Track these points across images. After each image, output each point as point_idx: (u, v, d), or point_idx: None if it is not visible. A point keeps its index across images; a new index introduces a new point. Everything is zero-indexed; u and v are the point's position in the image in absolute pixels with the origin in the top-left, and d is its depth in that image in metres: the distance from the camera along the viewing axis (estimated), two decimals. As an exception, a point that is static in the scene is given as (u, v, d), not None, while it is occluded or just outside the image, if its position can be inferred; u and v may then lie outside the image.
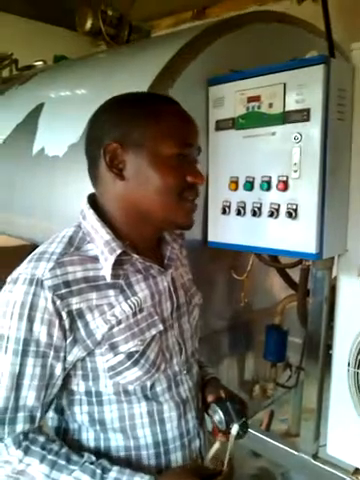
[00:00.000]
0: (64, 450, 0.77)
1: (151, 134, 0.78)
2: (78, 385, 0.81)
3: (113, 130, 0.79)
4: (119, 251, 0.78)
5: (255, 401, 1.78)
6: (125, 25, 2.33)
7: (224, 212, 1.32)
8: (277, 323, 1.61)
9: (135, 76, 1.43)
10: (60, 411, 0.84)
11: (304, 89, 1.10)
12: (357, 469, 1.29)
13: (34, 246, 0.80)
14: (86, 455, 0.78)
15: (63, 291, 0.74)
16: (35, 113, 1.70)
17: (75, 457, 0.76)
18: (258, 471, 2.03)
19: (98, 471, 0.75)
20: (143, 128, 0.78)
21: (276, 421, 2.11)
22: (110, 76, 1.57)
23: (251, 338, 1.74)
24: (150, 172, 0.78)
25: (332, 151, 1.11)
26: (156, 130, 0.78)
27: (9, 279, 0.78)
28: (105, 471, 0.76)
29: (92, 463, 0.76)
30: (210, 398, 0.92)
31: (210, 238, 1.38)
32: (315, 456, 1.39)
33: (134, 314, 0.79)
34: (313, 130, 1.10)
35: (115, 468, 0.77)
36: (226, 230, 1.33)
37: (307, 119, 1.10)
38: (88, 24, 2.25)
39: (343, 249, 1.22)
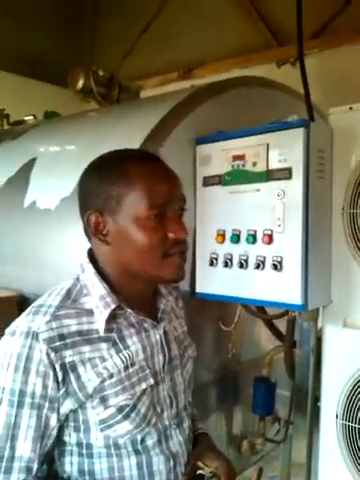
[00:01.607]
0: None
1: (127, 199, 0.81)
2: (70, 436, 0.81)
3: (93, 200, 0.84)
4: (113, 306, 0.81)
5: (243, 457, 1.74)
6: (115, 84, 2.45)
7: (211, 264, 1.35)
8: (265, 375, 1.61)
9: (126, 135, 1.50)
10: (49, 461, 0.83)
11: (286, 149, 1.18)
12: None
13: (21, 297, 0.82)
14: None
15: (57, 344, 0.76)
16: (27, 167, 1.75)
17: None
18: None
19: None
20: (119, 195, 0.81)
21: (265, 478, 2.05)
22: (102, 134, 1.64)
23: (239, 390, 1.72)
24: (131, 235, 0.81)
25: (313, 207, 1.17)
26: (131, 195, 0.81)
27: (7, 331, 0.79)
28: None
29: None
30: (190, 469, 0.91)
31: (198, 289, 1.40)
32: (306, 515, 1.36)
33: (126, 368, 0.81)
34: (295, 187, 1.16)
35: None
36: (213, 281, 1.36)
37: (289, 177, 1.17)
38: (80, 83, 2.36)
39: (328, 300, 1.25)
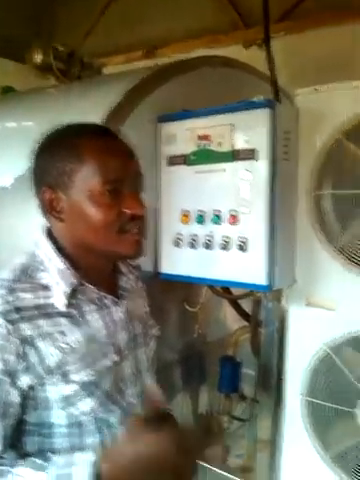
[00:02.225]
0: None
1: (79, 175, 0.79)
2: (29, 415, 0.78)
3: (45, 176, 0.82)
4: (73, 280, 0.80)
5: (209, 435, 1.77)
6: (76, 61, 2.36)
7: (176, 244, 1.34)
8: (230, 354, 1.63)
9: (86, 112, 1.44)
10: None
11: (251, 130, 1.17)
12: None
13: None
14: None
15: (14, 317, 0.74)
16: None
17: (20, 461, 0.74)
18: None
19: (38, 461, 0.72)
20: (71, 170, 0.79)
21: (232, 456, 2.10)
22: (60, 111, 1.58)
23: (205, 370, 1.74)
24: (85, 211, 0.79)
25: (279, 188, 1.17)
26: (83, 170, 0.79)
27: None
28: (47, 460, 0.73)
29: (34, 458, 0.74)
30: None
31: (162, 270, 1.40)
32: (271, 488, 1.39)
33: (87, 343, 0.79)
34: (260, 168, 1.16)
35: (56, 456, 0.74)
36: (178, 262, 1.35)
37: (254, 158, 1.16)
38: (38, 59, 2.26)
39: (292, 280, 1.26)
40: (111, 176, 0.79)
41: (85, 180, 0.79)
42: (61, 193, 0.80)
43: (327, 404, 1.21)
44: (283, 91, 1.38)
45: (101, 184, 0.79)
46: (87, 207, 0.79)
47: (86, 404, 0.78)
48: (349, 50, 1.72)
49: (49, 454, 0.75)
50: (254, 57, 1.81)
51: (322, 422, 1.24)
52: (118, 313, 0.86)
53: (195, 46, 2.75)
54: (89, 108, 1.47)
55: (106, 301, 0.85)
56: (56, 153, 0.81)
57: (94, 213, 0.79)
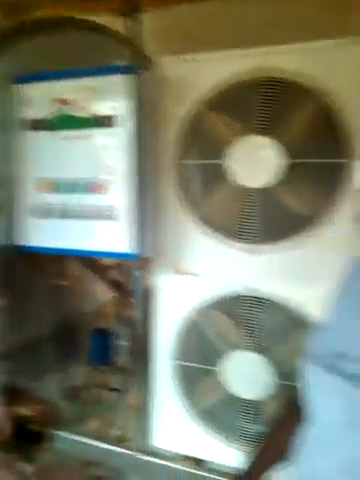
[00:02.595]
0: None
1: None
2: None
3: None
4: None
5: (85, 408, 1.76)
6: None
7: (41, 215, 1.27)
8: (102, 326, 1.61)
9: None
10: None
11: (113, 96, 1.13)
12: (186, 457, 1.37)
13: None
14: None
15: None
16: None
17: None
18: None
19: None
20: None
21: (113, 427, 2.11)
22: None
23: (78, 344, 1.70)
24: None
25: (143, 156, 1.16)
26: None
27: None
28: None
29: None
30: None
31: (24, 242, 1.32)
32: (145, 451, 1.43)
33: None
34: (124, 135, 1.13)
35: None
36: (40, 234, 1.29)
37: (117, 124, 1.13)
38: None
39: (159, 249, 1.28)
40: None
41: None
42: None
43: (193, 364, 1.27)
44: (149, 59, 1.36)
45: None
46: None
47: None
48: (219, 22, 1.75)
49: None
50: (129, 26, 1.74)
51: (190, 382, 1.30)
52: None
53: (68, 11, 2.56)
54: None
55: None
56: None
57: None
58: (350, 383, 0.68)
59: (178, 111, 1.20)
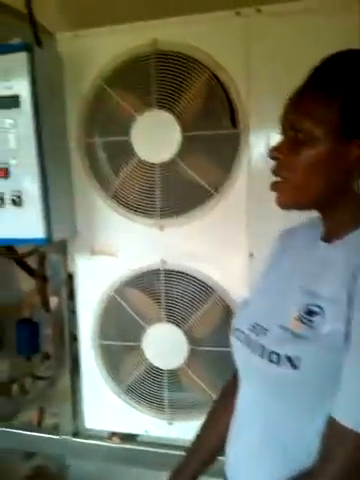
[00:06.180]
0: None
1: None
2: None
3: None
4: None
5: (16, 401, 1.72)
6: None
7: None
8: (26, 316, 1.58)
9: None
10: None
11: (10, 75, 1.08)
12: (113, 433, 1.39)
13: None
14: None
15: None
16: None
17: None
18: (33, 470, 1.98)
19: None
20: None
21: (48, 416, 2.09)
22: None
23: (3, 336, 1.66)
24: None
25: (47, 137, 1.13)
26: None
27: None
28: None
29: None
30: None
31: None
32: (76, 434, 1.44)
33: None
34: (25, 117, 1.09)
35: None
36: None
37: (18, 106, 1.09)
38: None
39: (73, 231, 1.26)
40: None
41: None
42: None
43: (117, 343, 1.29)
44: (48, 35, 1.32)
45: None
46: None
47: None
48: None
49: None
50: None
51: (113, 361, 1.31)
52: None
53: None
54: None
55: None
56: None
57: None
58: (256, 355, 0.69)
59: (79, 89, 1.18)
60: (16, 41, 1.11)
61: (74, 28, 1.21)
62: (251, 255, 1.14)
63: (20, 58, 1.07)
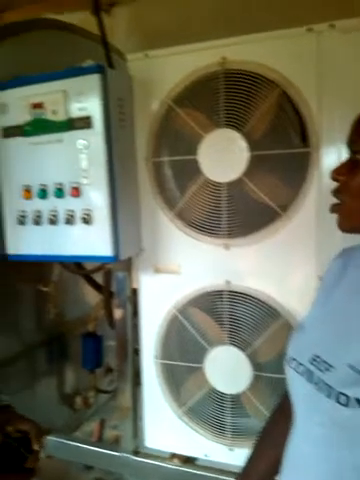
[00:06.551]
0: None
1: None
2: None
3: None
4: None
5: (79, 413, 1.76)
6: None
7: (20, 222, 1.26)
8: (91, 330, 1.61)
9: None
10: None
11: (84, 97, 1.13)
12: (173, 454, 1.37)
13: None
14: None
15: None
16: None
17: None
18: (92, 483, 2.00)
19: None
20: None
21: (108, 429, 2.12)
22: None
23: (68, 349, 1.71)
24: None
25: (117, 157, 1.15)
26: None
27: None
28: None
29: None
30: None
31: (9, 251, 1.31)
32: (136, 452, 1.43)
33: None
34: (96, 137, 1.13)
35: None
36: (25, 241, 1.28)
37: (90, 126, 1.13)
38: None
39: (139, 249, 1.28)
40: None
41: None
42: None
43: (178, 363, 1.27)
44: (121, 56, 1.36)
45: None
46: None
47: None
48: (187, 16, 1.76)
49: None
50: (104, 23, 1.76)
51: (175, 381, 1.30)
52: None
53: (40, 11, 2.58)
54: None
55: None
56: None
57: None
58: (322, 394, 0.63)
59: (148, 108, 1.20)
60: (89, 63, 1.15)
61: (143, 48, 1.24)
62: (320, 278, 1.09)
63: (93, 80, 1.11)
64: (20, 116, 1.22)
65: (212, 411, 1.25)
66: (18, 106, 1.22)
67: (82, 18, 2.49)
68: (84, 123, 1.14)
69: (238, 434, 1.24)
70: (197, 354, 1.23)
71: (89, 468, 1.90)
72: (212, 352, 1.21)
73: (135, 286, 1.33)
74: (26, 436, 0.90)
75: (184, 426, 1.30)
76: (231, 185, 1.12)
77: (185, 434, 1.31)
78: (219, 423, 1.25)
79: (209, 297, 1.21)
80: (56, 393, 1.67)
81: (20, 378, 1.50)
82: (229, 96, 1.09)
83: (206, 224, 1.17)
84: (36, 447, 0.89)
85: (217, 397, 1.23)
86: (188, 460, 1.36)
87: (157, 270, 1.28)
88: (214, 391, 1.23)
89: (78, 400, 1.69)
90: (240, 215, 1.13)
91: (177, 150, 1.18)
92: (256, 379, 1.17)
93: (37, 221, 1.24)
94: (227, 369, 1.20)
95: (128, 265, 1.32)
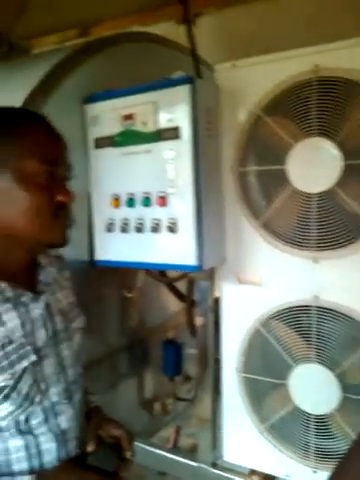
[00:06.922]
0: None
1: (14, 152, 0.75)
2: None
3: None
4: None
5: (157, 418, 1.78)
6: (3, 42, 2.26)
7: (109, 230, 1.31)
8: (172, 337, 1.63)
9: (10, 92, 1.38)
10: None
11: (173, 108, 1.14)
12: (252, 471, 1.33)
13: None
14: None
15: None
16: None
17: None
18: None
19: None
20: (5, 146, 0.75)
21: (184, 436, 2.12)
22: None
23: (148, 355, 1.73)
24: (18, 193, 0.75)
25: (204, 166, 1.16)
26: (19, 148, 0.76)
27: None
28: None
29: None
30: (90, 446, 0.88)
31: (97, 257, 1.36)
32: (214, 464, 1.41)
33: (2, 346, 0.74)
34: (184, 147, 1.14)
35: None
36: (112, 248, 1.32)
37: (178, 137, 1.14)
38: None
39: (222, 259, 1.27)
40: (49, 158, 0.77)
41: (21, 158, 0.75)
42: None
43: (261, 378, 1.24)
44: (209, 67, 1.36)
45: (39, 165, 0.76)
46: (21, 189, 0.75)
47: (3, 409, 0.74)
48: (275, 24, 1.73)
49: None
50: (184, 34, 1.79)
51: (257, 396, 1.27)
52: (36, 310, 0.81)
53: (129, 23, 2.68)
54: (12, 88, 1.40)
55: (23, 298, 0.80)
56: None
57: (28, 196, 0.75)
58: None
59: (235, 118, 1.19)
60: (179, 74, 1.16)
61: (228, 58, 1.23)
62: None
63: (183, 91, 1.12)
64: (111, 127, 1.26)
65: (295, 430, 1.20)
66: (109, 118, 1.27)
67: (166, 30, 2.56)
68: (172, 134, 1.16)
69: (323, 456, 1.18)
70: (281, 370, 1.19)
71: (162, 474, 1.91)
72: (297, 369, 1.17)
73: (217, 295, 1.32)
74: (117, 442, 0.91)
75: (265, 442, 1.26)
76: (322, 195, 1.07)
77: (266, 451, 1.27)
78: (303, 443, 1.19)
79: (294, 312, 1.16)
80: (136, 397, 1.70)
81: (103, 380, 1.54)
82: (322, 104, 1.04)
83: (293, 236, 1.13)
84: (128, 455, 0.89)
85: (301, 416, 1.18)
86: (267, 478, 1.32)
87: (240, 281, 1.25)
88: (298, 410, 1.18)
89: (157, 406, 1.71)
90: (331, 227, 1.07)
91: (264, 160, 1.15)
92: (345, 401, 1.11)
93: (124, 229, 1.27)
94: (313, 388, 1.14)
95: (211, 274, 1.32)
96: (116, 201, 1.28)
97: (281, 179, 1.12)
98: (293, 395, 1.18)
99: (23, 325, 0.78)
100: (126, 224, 1.27)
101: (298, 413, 1.19)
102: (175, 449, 1.85)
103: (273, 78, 1.11)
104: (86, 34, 3.16)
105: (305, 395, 1.17)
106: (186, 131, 1.13)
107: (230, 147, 1.21)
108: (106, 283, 1.50)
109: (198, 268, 1.19)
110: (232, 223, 1.24)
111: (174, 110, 1.15)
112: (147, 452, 1.58)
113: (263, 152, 1.16)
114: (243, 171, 1.20)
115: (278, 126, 1.10)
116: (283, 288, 1.18)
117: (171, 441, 2.00)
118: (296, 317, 1.16)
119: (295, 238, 1.13)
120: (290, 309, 1.17)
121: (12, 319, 0.77)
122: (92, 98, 1.31)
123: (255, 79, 1.14)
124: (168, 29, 2.48)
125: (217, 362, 1.37)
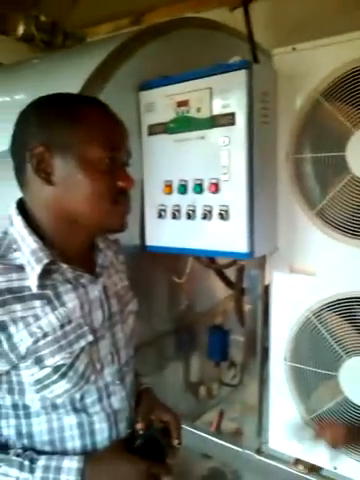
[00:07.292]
0: None
1: (78, 137, 0.76)
2: (4, 398, 0.78)
3: (39, 132, 0.77)
4: (46, 261, 0.76)
5: (201, 402, 1.80)
6: (59, 31, 2.31)
7: (160, 216, 1.33)
8: (219, 323, 1.64)
9: (67, 80, 1.41)
10: None
11: (229, 94, 1.13)
12: (297, 460, 1.33)
13: None
14: (12, 451, 0.76)
15: None
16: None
17: (0, 455, 0.75)
18: (209, 472, 2.04)
19: (26, 462, 0.74)
20: (70, 130, 0.76)
21: (227, 420, 2.14)
22: (43, 80, 1.54)
23: (195, 340, 1.75)
24: (80, 177, 0.76)
25: (258, 153, 1.15)
26: (83, 132, 0.77)
27: None
28: (33, 461, 0.75)
29: (18, 455, 0.75)
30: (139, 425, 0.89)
31: (148, 242, 1.38)
32: (259, 451, 1.42)
33: (62, 326, 0.77)
34: (239, 134, 1.13)
35: (43, 456, 0.76)
36: (163, 234, 1.34)
37: (233, 123, 1.13)
38: (20, 29, 2.21)
39: (274, 247, 1.25)
40: (111, 144, 0.78)
41: (84, 143, 0.76)
42: (56, 153, 0.76)
43: (310, 368, 1.22)
44: (264, 52, 1.34)
45: (102, 151, 0.77)
46: (84, 173, 0.76)
47: (60, 387, 0.77)
48: (333, 9, 1.67)
49: (34, 455, 0.76)
50: (240, 19, 1.76)
51: (305, 386, 1.26)
52: (94, 292, 0.84)
53: (181, 10, 2.66)
54: (70, 75, 1.43)
55: (83, 280, 0.82)
56: (54, 111, 0.77)
57: (90, 181, 0.76)
58: None
59: (292, 103, 1.16)
60: (236, 59, 1.15)
61: (282, 42, 1.20)
62: None
63: (239, 76, 1.11)
64: (165, 114, 1.27)
65: (344, 422, 1.18)
66: (164, 104, 1.27)
67: (222, 14, 2.52)
68: (227, 120, 1.15)
69: (371, 451, 1.16)
70: (331, 361, 1.17)
71: (207, 457, 1.94)
72: (349, 361, 1.15)
73: (267, 284, 1.31)
74: (166, 428, 0.90)
75: (311, 432, 1.25)
76: (383, 184, 1.03)
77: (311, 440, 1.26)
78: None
79: (348, 303, 1.14)
80: (182, 381, 1.73)
81: (150, 363, 1.58)
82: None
83: (350, 225, 1.10)
84: (176, 443, 0.90)
85: (351, 409, 1.16)
86: (313, 468, 1.31)
87: (292, 270, 1.24)
88: (348, 402, 1.17)
89: (202, 390, 1.73)
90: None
91: (321, 146, 1.13)
92: None
93: (175, 215, 1.28)
94: (365, 381, 1.12)
95: (261, 262, 1.31)
96: (168, 187, 1.29)
97: (340, 166, 1.09)
98: (343, 387, 1.16)
99: (82, 306, 0.81)
100: (177, 210, 1.28)
101: (347, 405, 1.17)
102: (218, 433, 1.88)
103: (334, 61, 1.07)
104: (139, 22, 3.17)
105: (356, 388, 1.15)
106: (241, 117, 1.12)
107: (285, 133, 1.19)
108: (156, 268, 1.53)
109: (249, 255, 1.18)
110: (285, 211, 1.23)
111: (229, 96, 1.14)
112: (194, 435, 1.61)
113: (320, 139, 1.13)
114: (298, 158, 1.18)
115: (338, 111, 1.07)
116: (337, 278, 1.15)
117: (214, 424, 2.03)
118: (349, 308, 1.14)
119: (352, 228, 1.10)
120: (344, 300, 1.15)
121: (72, 300, 0.79)
122: (147, 85, 1.32)
123: (316, 63, 1.11)
124: (221, 15, 2.45)
125: (265, 350, 1.37)
